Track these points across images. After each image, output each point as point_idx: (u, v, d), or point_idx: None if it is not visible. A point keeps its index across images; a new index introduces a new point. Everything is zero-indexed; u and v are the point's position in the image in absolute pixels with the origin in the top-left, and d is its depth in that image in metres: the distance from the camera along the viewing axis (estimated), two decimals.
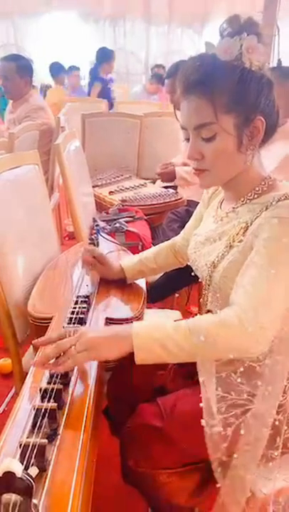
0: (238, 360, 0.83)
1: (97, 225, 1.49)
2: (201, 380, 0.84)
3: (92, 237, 1.27)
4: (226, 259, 0.85)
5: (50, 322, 1.00)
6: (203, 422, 0.82)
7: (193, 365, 1.01)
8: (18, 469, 0.48)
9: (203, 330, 0.74)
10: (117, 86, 6.68)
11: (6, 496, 0.49)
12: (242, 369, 0.84)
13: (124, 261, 1.19)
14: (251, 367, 0.84)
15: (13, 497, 0.49)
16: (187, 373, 1.01)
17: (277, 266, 0.74)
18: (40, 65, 6.88)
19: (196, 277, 1.00)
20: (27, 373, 1.23)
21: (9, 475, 0.47)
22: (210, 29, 7.18)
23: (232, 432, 0.82)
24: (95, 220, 1.49)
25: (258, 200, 0.85)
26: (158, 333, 0.75)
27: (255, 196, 0.86)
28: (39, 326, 1.03)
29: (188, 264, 1.04)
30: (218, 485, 0.84)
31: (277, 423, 0.83)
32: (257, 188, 0.86)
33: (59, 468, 0.58)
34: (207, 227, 0.98)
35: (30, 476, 0.49)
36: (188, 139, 0.85)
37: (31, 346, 1.34)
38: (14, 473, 0.47)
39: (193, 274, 1.01)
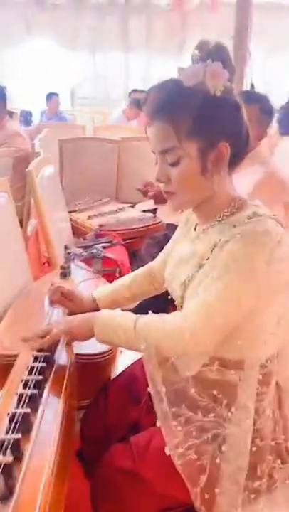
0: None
1: (68, 253, 1.44)
2: (152, 391, 0.81)
3: (64, 265, 1.21)
4: (195, 280, 0.83)
5: (15, 360, 0.94)
6: (166, 449, 0.78)
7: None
8: None
9: (147, 337, 0.80)
10: (96, 112, 6.77)
11: None
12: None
13: (97, 291, 1.14)
14: (200, 372, 0.82)
15: None
16: None
17: (231, 279, 0.76)
18: (21, 91, 7.00)
19: (172, 302, 0.97)
20: None
21: None
22: (188, 55, 7.36)
23: (209, 462, 0.77)
24: (66, 248, 1.44)
25: (228, 221, 0.84)
26: (115, 322, 0.86)
27: (224, 218, 0.85)
28: (4, 365, 0.96)
29: (166, 286, 1.00)
30: None
31: (254, 449, 0.79)
32: (226, 210, 0.85)
33: None
34: (182, 249, 0.96)
35: None
36: (156, 162, 0.85)
37: None
38: None
39: (170, 297, 0.98)
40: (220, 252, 0.79)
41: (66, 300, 1.09)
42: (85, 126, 4.09)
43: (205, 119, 0.77)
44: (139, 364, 1.06)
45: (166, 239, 2.09)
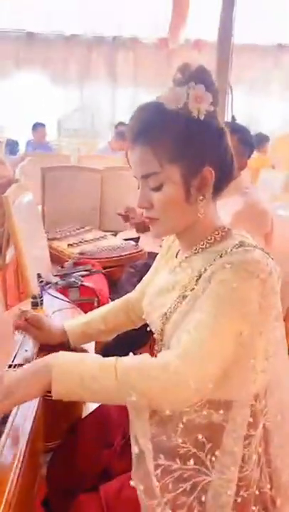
0: (175, 416, 0.71)
1: (41, 281, 1.38)
2: (135, 451, 0.67)
3: (35, 294, 1.15)
4: (178, 311, 0.78)
5: None
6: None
7: None
8: None
9: (136, 386, 0.67)
10: (82, 143, 6.87)
11: None
12: (181, 425, 0.71)
13: (69, 322, 1.07)
14: (189, 421, 0.71)
15: None
16: None
17: (224, 312, 0.69)
18: (10, 122, 7.09)
19: (151, 334, 0.91)
20: None
21: None
22: None
23: None
24: (39, 276, 1.38)
25: (212, 249, 0.79)
26: (79, 369, 0.70)
27: (207, 245, 0.81)
28: None
29: (144, 318, 0.95)
30: None
31: (239, 500, 0.71)
32: (209, 237, 0.81)
33: None
34: (162, 278, 0.91)
35: None
36: (138, 187, 0.81)
37: None
38: None
39: (149, 329, 0.92)
40: (207, 284, 0.73)
41: (31, 327, 1.02)
42: (70, 156, 4.10)
43: (188, 143, 0.74)
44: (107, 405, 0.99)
45: (147, 268, 2.05)
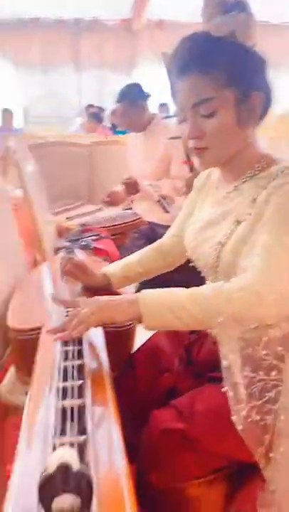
0: (259, 329, 0.77)
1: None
2: (224, 365, 0.76)
3: (69, 245, 1.17)
4: (235, 235, 0.81)
5: (39, 333, 0.89)
6: (233, 417, 0.74)
7: (203, 362, 0.94)
8: (75, 460, 0.37)
9: (219, 310, 0.73)
10: (49, 129, 6.74)
11: (58, 502, 0.38)
12: (265, 338, 0.77)
13: (108, 267, 1.11)
14: (270, 334, 0.78)
15: (66, 500, 0.38)
16: (196, 371, 0.93)
17: None
18: None
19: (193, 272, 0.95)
20: (5, 404, 1.10)
21: (65, 469, 0.37)
22: (139, 72, 7.57)
23: (273, 421, 0.74)
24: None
25: (262, 175, 0.83)
26: (167, 300, 0.75)
27: (256, 173, 0.85)
28: (26, 340, 0.91)
29: (186, 255, 0.99)
30: None
31: None
32: (257, 165, 0.85)
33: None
34: (205, 213, 0.94)
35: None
36: (184, 120, 0.84)
37: (11, 370, 1.20)
38: (71, 467, 0.37)
39: (191, 265, 0.97)
40: (264, 207, 0.77)
41: (77, 271, 1.05)
42: (47, 138, 4.04)
43: (240, 67, 0.78)
44: (159, 335, 1.04)
45: (152, 231, 2.11)
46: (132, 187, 2.23)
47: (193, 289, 0.78)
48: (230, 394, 0.74)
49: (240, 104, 0.79)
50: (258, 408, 0.74)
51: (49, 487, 0.37)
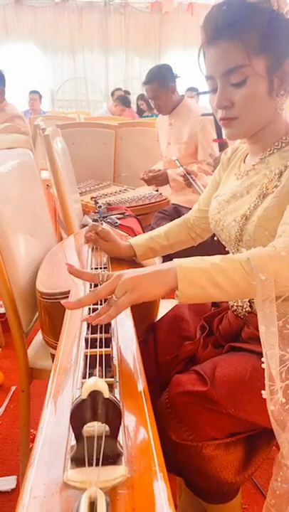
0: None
1: (99, 206, 1.43)
2: (262, 329, 0.69)
3: (96, 218, 1.20)
4: (260, 208, 0.81)
5: (66, 297, 0.93)
6: (264, 393, 0.70)
7: (223, 333, 0.96)
8: (105, 388, 0.40)
9: (263, 266, 0.66)
10: (78, 112, 6.78)
11: (87, 428, 0.41)
12: None
13: (133, 239, 1.14)
14: None
15: (96, 426, 0.41)
16: (217, 342, 0.96)
17: None
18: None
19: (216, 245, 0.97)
20: (32, 369, 1.15)
21: (97, 395, 0.40)
22: (166, 57, 7.49)
23: None
24: (96, 202, 1.43)
25: (288, 148, 0.83)
26: (205, 264, 0.68)
27: (283, 145, 0.84)
28: (53, 304, 0.95)
29: (212, 228, 1.00)
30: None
31: None
32: (285, 137, 0.84)
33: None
34: (231, 186, 0.95)
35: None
36: (214, 90, 0.83)
37: (35, 338, 1.25)
38: (102, 393, 0.40)
39: (215, 238, 0.98)
40: None
41: (101, 240, 1.08)
42: (76, 120, 4.07)
43: (273, 35, 0.76)
44: (181, 306, 1.06)
45: (176, 211, 2.12)
46: (163, 179, 2.25)
47: (228, 255, 0.72)
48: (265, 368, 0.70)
49: (272, 72, 0.78)
50: (284, 389, 0.72)
51: (81, 412, 0.40)
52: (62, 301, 0.70)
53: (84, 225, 1.66)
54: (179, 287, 0.67)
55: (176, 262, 0.69)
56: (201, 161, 2.31)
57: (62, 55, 7.55)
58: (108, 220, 1.73)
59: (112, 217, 1.78)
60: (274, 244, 0.70)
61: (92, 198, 2.29)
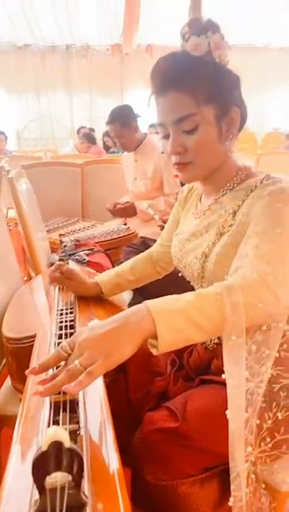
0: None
1: (64, 246, 1.43)
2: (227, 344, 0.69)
3: (62, 257, 1.20)
4: (218, 246, 0.84)
5: (33, 341, 0.91)
6: (228, 412, 0.70)
7: (193, 367, 0.96)
8: (66, 437, 0.40)
9: (239, 302, 0.66)
10: (45, 150, 6.87)
11: (49, 479, 0.40)
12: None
13: (99, 276, 1.15)
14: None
15: (58, 477, 0.41)
16: (188, 376, 0.96)
17: (281, 226, 0.73)
18: None
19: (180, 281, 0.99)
20: (2, 416, 1.12)
21: (58, 445, 0.39)
22: (128, 95, 7.77)
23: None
24: (61, 242, 1.43)
25: (240, 187, 0.87)
26: (180, 304, 0.64)
27: (234, 185, 0.88)
28: (21, 349, 0.93)
29: (174, 264, 1.02)
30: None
31: None
32: (235, 178, 0.88)
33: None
34: (189, 225, 0.98)
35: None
36: (166, 136, 0.86)
37: (4, 384, 1.21)
38: (63, 443, 0.40)
39: (180, 275, 1.00)
40: (246, 217, 0.79)
41: (66, 279, 1.09)
42: (42, 158, 4.12)
43: (219, 84, 0.80)
44: None
45: (145, 245, 2.15)
46: (131, 210, 2.29)
47: (197, 291, 0.70)
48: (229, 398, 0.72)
49: (220, 119, 0.82)
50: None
51: (42, 463, 0.39)
52: (26, 371, 0.63)
53: (52, 263, 1.65)
54: (159, 333, 0.61)
55: (149, 305, 0.64)
56: (168, 194, 2.37)
57: (27, 96, 7.71)
58: (76, 257, 1.73)
59: (81, 253, 1.78)
60: (243, 281, 0.69)
61: (60, 235, 2.30)
